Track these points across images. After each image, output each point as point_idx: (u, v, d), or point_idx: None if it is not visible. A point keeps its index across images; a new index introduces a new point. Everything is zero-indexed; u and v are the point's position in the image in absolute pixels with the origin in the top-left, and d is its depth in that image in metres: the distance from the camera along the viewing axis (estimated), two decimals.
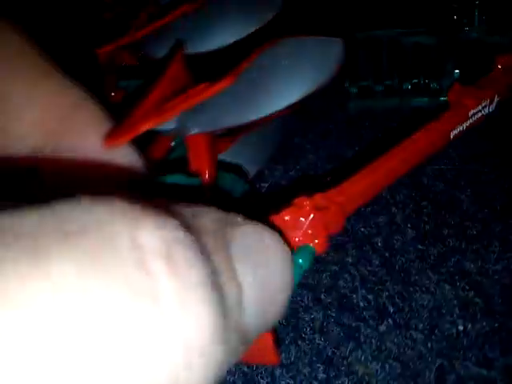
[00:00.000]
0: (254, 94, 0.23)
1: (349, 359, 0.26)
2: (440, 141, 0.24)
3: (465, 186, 0.32)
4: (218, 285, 0.08)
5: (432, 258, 0.29)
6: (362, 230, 0.32)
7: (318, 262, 0.30)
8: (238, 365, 0.27)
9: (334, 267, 0.30)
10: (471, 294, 0.27)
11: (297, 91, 0.24)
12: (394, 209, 0.33)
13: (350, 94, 0.32)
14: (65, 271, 0.07)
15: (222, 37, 0.28)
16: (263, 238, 0.11)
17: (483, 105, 0.25)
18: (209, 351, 0.08)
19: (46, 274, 0.07)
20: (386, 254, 0.30)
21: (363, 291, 0.29)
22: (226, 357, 0.09)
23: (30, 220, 0.07)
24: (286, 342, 0.27)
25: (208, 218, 0.09)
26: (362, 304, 0.28)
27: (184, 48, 0.27)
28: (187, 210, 0.09)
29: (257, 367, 0.27)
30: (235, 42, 0.28)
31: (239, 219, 0.10)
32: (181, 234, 0.08)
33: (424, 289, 0.28)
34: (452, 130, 0.24)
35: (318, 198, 0.19)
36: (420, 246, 0.30)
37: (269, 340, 0.17)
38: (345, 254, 0.31)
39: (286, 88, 0.23)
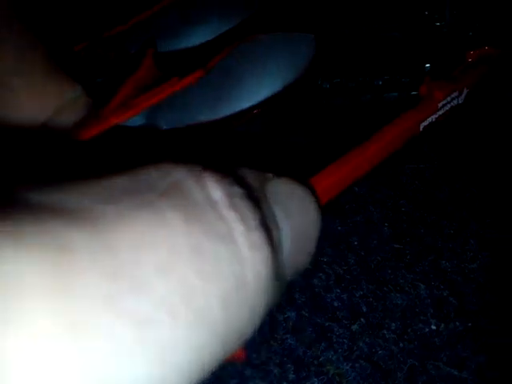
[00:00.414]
0: (224, 89, 0.23)
1: (320, 359, 0.26)
2: (409, 133, 0.23)
3: (443, 185, 0.32)
4: (268, 227, 0.10)
5: (408, 256, 0.29)
6: (339, 228, 0.31)
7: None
8: None
9: (309, 266, 0.30)
10: (446, 293, 0.27)
11: (268, 87, 0.23)
12: (371, 207, 0.32)
13: (323, 90, 0.32)
14: (172, 217, 0.08)
15: (196, 36, 0.28)
16: (294, 190, 0.12)
17: (452, 96, 0.24)
18: (268, 281, 0.10)
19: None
20: (362, 253, 0.29)
21: (337, 290, 0.28)
22: (276, 291, 0.10)
23: (122, 182, 0.09)
24: (257, 341, 0.27)
25: (250, 176, 0.11)
26: (335, 304, 0.28)
27: (156, 45, 0.26)
28: (233, 170, 0.11)
29: (226, 367, 0.26)
30: (210, 41, 0.28)
31: (271, 175, 0.12)
32: (236, 188, 0.10)
33: (398, 288, 0.27)
34: (421, 122, 0.24)
35: None
36: (396, 245, 0.29)
37: None
38: (320, 253, 0.30)
39: (257, 83, 0.23)
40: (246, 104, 0.23)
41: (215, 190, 0.09)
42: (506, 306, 0.25)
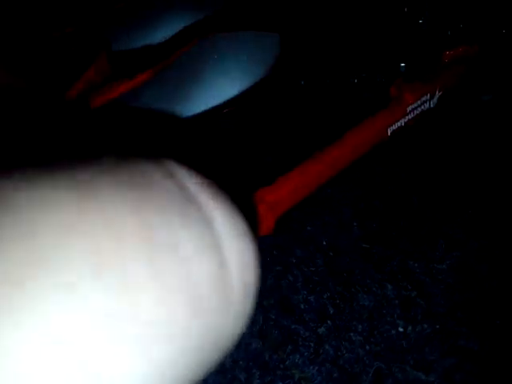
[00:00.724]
0: (182, 89, 0.22)
1: (286, 363, 0.25)
2: (376, 138, 0.23)
3: (415, 186, 0.32)
4: None
5: (376, 257, 0.28)
6: (309, 229, 0.31)
7: (261, 262, 0.29)
8: None
9: (278, 267, 0.29)
10: (414, 294, 0.26)
11: (230, 87, 0.22)
12: (343, 208, 0.32)
13: (299, 87, 0.31)
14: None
15: (157, 33, 0.27)
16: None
17: (423, 100, 0.24)
18: (254, 277, 0.09)
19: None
20: (331, 254, 0.29)
21: (305, 292, 0.27)
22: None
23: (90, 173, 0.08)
24: None
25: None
26: (302, 306, 0.27)
27: (110, 45, 0.26)
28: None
29: None
30: (171, 38, 0.27)
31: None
32: (202, 177, 0.09)
33: (366, 289, 0.27)
34: (389, 126, 0.23)
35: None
36: (365, 245, 0.29)
37: None
38: (289, 254, 0.29)
39: (219, 83, 0.22)
40: (209, 104, 0.23)
41: (185, 178, 0.09)
42: (474, 307, 0.25)
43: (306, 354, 0.25)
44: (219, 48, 0.22)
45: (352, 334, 0.25)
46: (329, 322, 0.26)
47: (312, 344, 0.25)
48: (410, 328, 0.25)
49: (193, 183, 0.09)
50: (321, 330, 0.26)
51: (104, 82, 0.21)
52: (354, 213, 0.31)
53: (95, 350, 0.07)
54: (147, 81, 0.20)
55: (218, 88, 0.23)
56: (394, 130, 0.23)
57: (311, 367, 0.25)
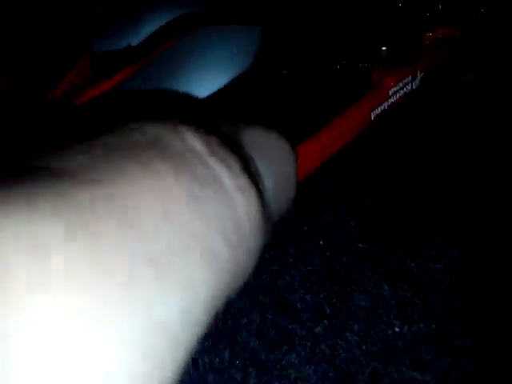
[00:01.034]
0: (165, 85, 0.22)
1: (282, 363, 0.25)
2: (359, 123, 0.23)
3: (411, 182, 0.32)
4: (250, 172, 0.10)
5: (373, 256, 0.28)
6: (305, 228, 0.31)
7: (258, 261, 0.29)
8: None
9: (275, 267, 0.29)
10: (410, 293, 0.26)
11: (210, 81, 0.22)
12: (339, 206, 0.32)
13: (282, 75, 0.31)
14: (162, 169, 0.09)
15: (137, 34, 0.27)
16: (270, 138, 0.12)
17: (404, 82, 0.24)
18: (259, 222, 0.10)
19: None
20: (328, 253, 0.29)
21: (301, 291, 0.28)
22: (266, 233, 0.10)
23: (111, 141, 0.09)
24: (221, 346, 0.26)
25: (224, 125, 0.11)
26: (299, 305, 0.27)
27: (92, 46, 0.26)
28: (206, 121, 0.11)
29: (188, 371, 0.26)
30: (152, 35, 0.27)
31: (243, 124, 0.12)
32: (213, 137, 0.10)
33: (362, 288, 0.27)
34: (372, 111, 0.23)
35: None
36: (362, 245, 0.29)
37: None
38: (286, 254, 0.29)
39: (200, 78, 0.22)
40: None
41: (194, 140, 0.10)
42: (470, 307, 0.25)
43: (302, 353, 0.25)
44: (200, 43, 0.22)
45: (348, 334, 0.25)
46: (325, 321, 0.26)
47: (308, 343, 0.25)
48: (406, 328, 0.25)
49: (199, 142, 0.10)
50: (317, 330, 0.26)
51: (85, 83, 0.21)
52: (350, 211, 0.31)
53: None
54: (128, 78, 0.20)
55: (200, 83, 0.22)
56: (377, 114, 0.23)
57: (307, 367, 0.25)
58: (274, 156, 0.12)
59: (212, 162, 0.09)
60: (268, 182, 0.11)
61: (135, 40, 0.24)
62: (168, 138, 0.09)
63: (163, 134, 0.09)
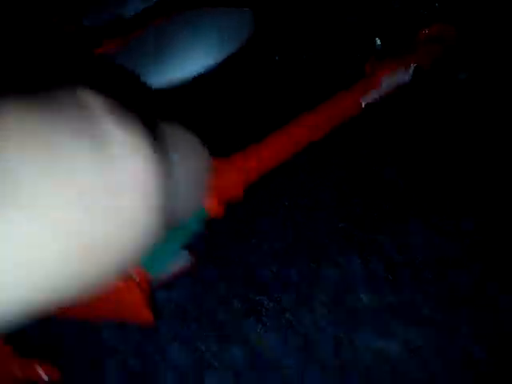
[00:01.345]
0: (155, 60, 0.23)
1: (247, 332, 0.26)
2: (350, 109, 0.24)
3: (404, 172, 0.32)
4: (161, 149, 0.10)
5: (356, 238, 0.29)
6: (286, 204, 0.32)
7: (229, 236, 0.30)
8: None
9: (246, 241, 0.30)
10: (381, 267, 0.27)
11: (200, 60, 0.23)
12: (326, 189, 0.33)
13: (275, 63, 0.32)
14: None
15: (125, 8, 0.27)
16: (187, 136, 0.13)
17: (396, 73, 0.25)
18: (153, 198, 0.10)
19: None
20: (305, 231, 0.30)
21: (272, 266, 0.29)
22: (163, 223, 0.10)
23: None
24: (189, 318, 0.27)
25: (144, 115, 0.11)
26: (268, 278, 0.28)
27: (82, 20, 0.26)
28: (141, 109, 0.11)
29: (150, 344, 0.26)
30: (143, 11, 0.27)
31: (169, 122, 0.13)
32: (113, 101, 0.10)
33: (333, 263, 0.28)
34: (362, 98, 0.24)
35: (218, 162, 0.19)
36: (343, 224, 0.30)
37: (141, 298, 0.17)
38: (260, 228, 0.31)
39: (190, 56, 0.22)
40: (174, 76, 0.23)
41: (94, 100, 0.10)
42: (442, 282, 0.26)
43: (268, 323, 0.26)
44: (190, 23, 0.23)
45: (316, 304, 0.26)
46: (293, 293, 0.27)
47: (275, 314, 0.27)
48: (375, 299, 0.26)
49: (100, 109, 0.10)
50: (284, 301, 0.27)
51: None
52: (336, 194, 0.32)
53: None
54: (118, 50, 0.21)
55: (186, 62, 0.23)
56: (368, 103, 0.24)
57: (272, 334, 0.26)
58: (187, 152, 0.13)
59: (104, 117, 0.10)
60: (178, 171, 0.12)
61: (123, 14, 0.25)
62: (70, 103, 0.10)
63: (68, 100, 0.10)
